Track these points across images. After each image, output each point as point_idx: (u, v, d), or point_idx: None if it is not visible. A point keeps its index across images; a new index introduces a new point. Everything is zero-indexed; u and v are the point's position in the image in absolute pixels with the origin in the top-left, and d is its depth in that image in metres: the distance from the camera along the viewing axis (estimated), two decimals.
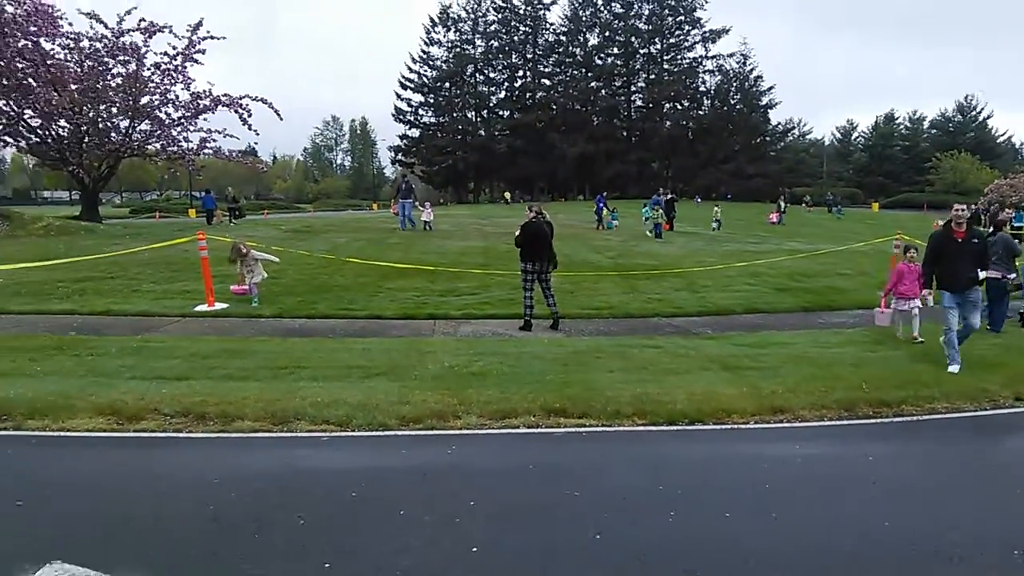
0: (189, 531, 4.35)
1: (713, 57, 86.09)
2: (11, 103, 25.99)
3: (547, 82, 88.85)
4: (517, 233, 10.98)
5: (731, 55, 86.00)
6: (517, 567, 3.95)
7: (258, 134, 27.92)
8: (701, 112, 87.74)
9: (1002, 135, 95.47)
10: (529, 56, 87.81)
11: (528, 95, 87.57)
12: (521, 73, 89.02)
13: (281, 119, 27.34)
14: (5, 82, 25.08)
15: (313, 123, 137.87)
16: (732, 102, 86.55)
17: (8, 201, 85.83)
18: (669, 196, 32.58)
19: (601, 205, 31.69)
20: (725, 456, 5.97)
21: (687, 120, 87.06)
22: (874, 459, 5.78)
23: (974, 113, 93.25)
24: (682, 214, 34.83)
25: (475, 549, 4.10)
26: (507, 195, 70.81)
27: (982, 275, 8.85)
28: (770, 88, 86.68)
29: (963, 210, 8.78)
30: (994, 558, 4.09)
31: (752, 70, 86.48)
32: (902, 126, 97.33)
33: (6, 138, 27.50)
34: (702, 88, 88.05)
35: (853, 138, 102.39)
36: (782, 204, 41.97)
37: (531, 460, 5.75)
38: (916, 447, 6.21)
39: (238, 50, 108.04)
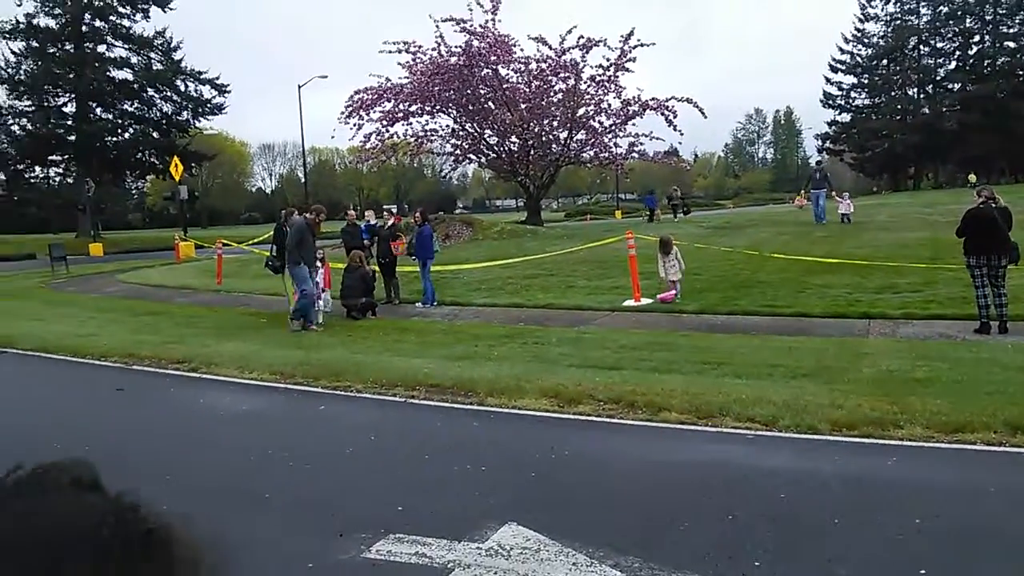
0: (626, 510, 4.64)
1: None
2: (475, 125, 30.47)
3: (1011, 44, 75.64)
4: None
5: None
6: None
7: (682, 134, 28.66)
8: None
9: None
10: (988, 18, 75.70)
11: (986, 62, 75.59)
12: (977, 39, 77.20)
13: (705, 117, 27.72)
14: (471, 107, 29.48)
15: (735, 118, 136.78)
16: None
17: (469, 209, 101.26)
18: None
19: None
20: None
21: None
22: None
23: None
24: None
25: (923, 572, 3.67)
26: (972, 177, 61.42)
27: None
28: None
29: None
30: None
31: None
32: None
33: (471, 155, 32.33)
34: None
35: None
36: None
37: (991, 482, 4.97)
38: None
39: (664, 52, 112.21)
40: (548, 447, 5.92)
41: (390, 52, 28.66)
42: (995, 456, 5.44)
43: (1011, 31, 75.70)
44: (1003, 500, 4.66)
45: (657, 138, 29.89)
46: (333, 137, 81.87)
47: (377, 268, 14.49)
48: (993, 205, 9.33)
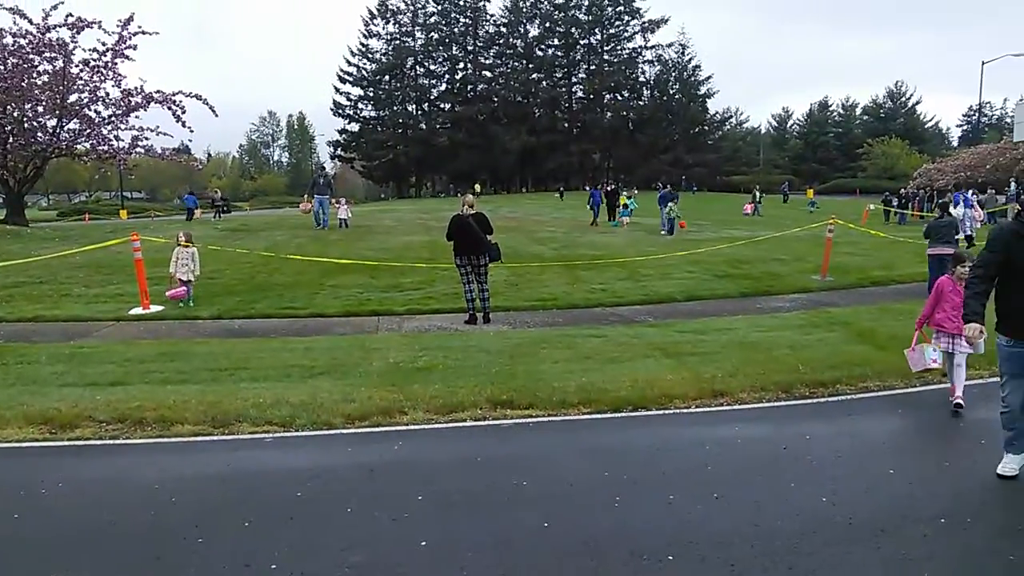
0: (129, 539, 4.24)
1: (652, 47, 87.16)
2: None
3: (488, 74, 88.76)
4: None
5: (670, 45, 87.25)
6: (468, 559, 3.95)
7: (192, 131, 27.18)
8: (641, 103, 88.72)
9: (930, 120, 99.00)
10: (470, 48, 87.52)
11: (469, 87, 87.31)
12: (462, 65, 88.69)
13: (216, 115, 26.70)
14: None
15: (250, 119, 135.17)
16: (671, 92, 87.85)
17: None
18: (611, 187, 32.83)
19: (598, 199, 29.49)
20: (669, 440, 6.06)
21: (627, 111, 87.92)
22: (811, 438, 5.94)
23: (904, 99, 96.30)
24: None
25: (424, 543, 4.09)
26: (477, 187, 69.98)
27: None
28: (708, 78, 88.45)
29: None
30: (922, 528, 4.25)
31: (690, 60, 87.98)
32: (835, 113, 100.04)
33: None
34: (642, 78, 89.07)
35: (788, 126, 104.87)
36: (757, 195, 41.78)
37: (478, 452, 5.76)
38: (850, 425, 6.38)
39: (173, 46, 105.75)
40: (37, 482, 5.12)
41: None
42: (481, 430, 6.30)
43: (488, 62, 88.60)
44: (486, 467, 5.43)
45: (165, 133, 27.89)
46: None
47: None
48: (470, 212, 10.77)
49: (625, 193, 31.35)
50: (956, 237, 12.57)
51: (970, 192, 27.66)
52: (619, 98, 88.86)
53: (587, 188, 33.44)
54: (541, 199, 55.19)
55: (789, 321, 10.93)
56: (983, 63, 46.64)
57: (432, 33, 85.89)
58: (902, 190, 39.94)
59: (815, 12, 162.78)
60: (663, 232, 24.55)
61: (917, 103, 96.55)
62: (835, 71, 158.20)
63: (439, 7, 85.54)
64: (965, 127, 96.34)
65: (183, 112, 26.74)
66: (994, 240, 5.06)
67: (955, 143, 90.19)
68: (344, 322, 11.15)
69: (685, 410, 6.77)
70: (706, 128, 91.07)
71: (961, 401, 6.59)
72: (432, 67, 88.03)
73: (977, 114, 78.59)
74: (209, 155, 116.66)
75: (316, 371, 7.98)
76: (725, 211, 40.04)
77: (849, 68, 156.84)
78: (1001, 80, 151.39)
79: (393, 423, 6.35)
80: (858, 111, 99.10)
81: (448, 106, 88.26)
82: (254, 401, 6.70)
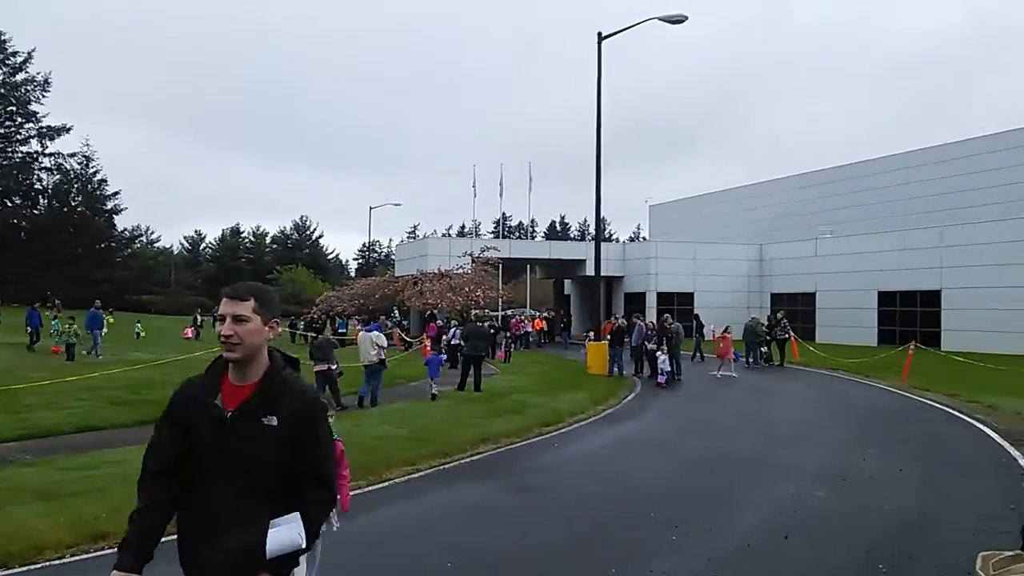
0: None
1: (52, 154, 78.87)
2: None
3: None
4: None
5: (72, 155, 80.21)
6: None
7: None
8: (37, 211, 79.30)
9: (331, 253, 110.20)
10: None
11: None
12: None
13: None
14: None
15: None
16: (73, 204, 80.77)
17: None
18: None
19: (37, 320, 25.68)
20: None
21: (19, 218, 77.41)
22: None
23: (309, 232, 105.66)
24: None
25: None
26: None
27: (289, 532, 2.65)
28: (116, 193, 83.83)
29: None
30: None
31: (96, 172, 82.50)
32: (247, 240, 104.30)
33: None
34: (38, 186, 79.91)
35: (202, 248, 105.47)
36: (198, 318, 40.93)
37: None
38: None
39: None
40: None
41: None
42: None
43: None
44: None
45: None
46: None
47: None
48: None
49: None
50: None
51: (381, 317, 31.69)
52: (9, 204, 77.96)
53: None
54: None
55: None
56: (371, 208, 54.55)
57: None
58: (308, 314, 43.32)
59: (227, 141, 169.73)
60: (93, 354, 22.67)
61: (320, 236, 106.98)
62: (246, 200, 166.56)
63: None
64: (361, 261, 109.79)
65: None
66: (168, 407, 2.91)
67: (353, 274, 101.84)
68: None
69: (57, 561, 6.01)
70: (114, 244, 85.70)
71: None
72: None
73: (368, 250, 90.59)
74: None
75: None
76: (153, 333, 37.73)
77: (259, 199, 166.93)
78: (387, 224, 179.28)
79: None
80: (268, 239, 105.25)
81: None
82: None
